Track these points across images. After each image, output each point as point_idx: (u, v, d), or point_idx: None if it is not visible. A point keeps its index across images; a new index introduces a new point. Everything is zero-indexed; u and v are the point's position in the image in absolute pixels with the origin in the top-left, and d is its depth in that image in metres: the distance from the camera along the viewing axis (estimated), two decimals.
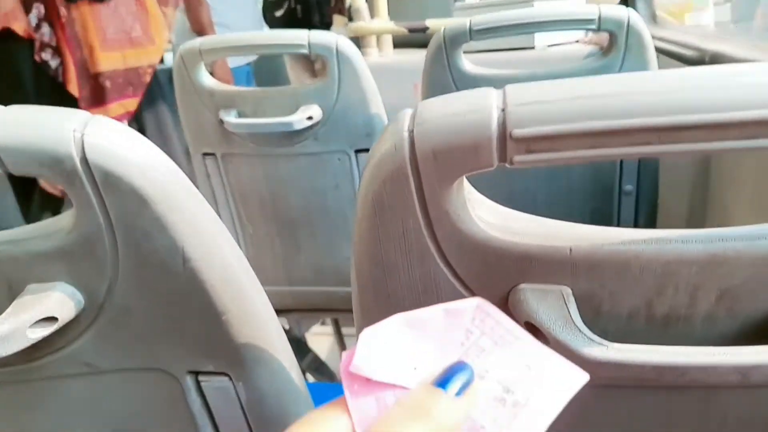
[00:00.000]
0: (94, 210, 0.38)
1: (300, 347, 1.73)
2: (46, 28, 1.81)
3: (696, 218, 1.19)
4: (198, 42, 1.01)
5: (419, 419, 0.25)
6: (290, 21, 2.59)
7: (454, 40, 1.01)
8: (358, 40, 2.02)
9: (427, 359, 0.28)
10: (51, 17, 1.81)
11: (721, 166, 1.09)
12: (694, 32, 1.39)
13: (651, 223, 1.18)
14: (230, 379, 0.49)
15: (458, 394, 0.26)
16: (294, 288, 1.43)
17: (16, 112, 0.36)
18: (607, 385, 0.40)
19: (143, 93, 2.05)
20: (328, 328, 2.06)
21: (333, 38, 1.01)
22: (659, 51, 1.15)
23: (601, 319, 0.40)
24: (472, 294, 0.41)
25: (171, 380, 0.49)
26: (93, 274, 0.41)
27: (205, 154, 1.15)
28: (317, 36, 1.00)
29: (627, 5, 1.55)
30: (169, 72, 2.34)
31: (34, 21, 1.79)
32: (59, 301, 0.41)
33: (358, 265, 0.42)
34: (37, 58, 1.81)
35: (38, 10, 1.79)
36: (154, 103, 2.09)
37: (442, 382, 0.27)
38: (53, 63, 1.84)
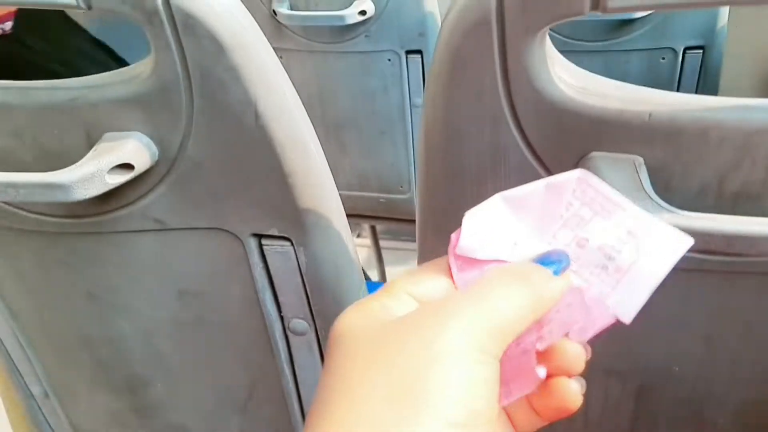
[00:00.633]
0: (172, 54, 0.38)
1: None
2: None
3: None
4: None
5: (520, 282, 0.25)
6: None
7: None
8: None
9: (527, 233, 0.28)
10: None
11: None
12: None
13: None
14: (291, 244, 0.50)
15: (556, 273, 0.27)
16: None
17: None
18: None
19: None
20: (365, 240, 2.09)
21: None
22: None
23: (671, 193, 0.40)
24: (541, 164, 0.41)
25: (235, 242, 0.50)
26: (168, 126, 0.42)
27: None
28: None
29: None
30: None
31: None
32: (135, 149, 0.42)
33: (427, 128, 0.42)
34: None
35: None
36: None
37: (543, 261, 0.27)
38: None
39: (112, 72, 0.42)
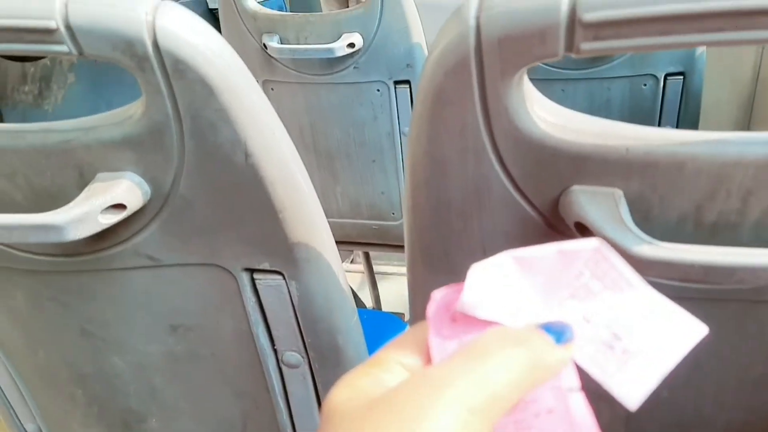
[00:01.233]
0: (163, 97, 0.39)
1: None
2: None
3: None
4: None
5: (519, 346, 0.23)
6: None
7: None
8: None
9: (533, 299, 0.27)
10: None
11: (765, 111, 1.07)
12: None
13: None
14: (283, 277, 0.51)
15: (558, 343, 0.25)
16: (329, 220, 1.45)
17: None
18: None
19: None
20: (358, 266, 2.10)
21: None
22: None
23: (650, 223, 0.41)
24: (524, 197, 0.42)
25: (228, 276, 0.51)
26: (160, 165, 0.43)
27: None
28: None
29: None
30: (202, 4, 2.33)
31: None
32: (128, 189, 0.43)
33: (412, 163, 0.43)
34: None
35: None
36: None
37: (545, 329, 0.25)
38: None
39: (104, 114, 0.43)
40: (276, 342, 0.55)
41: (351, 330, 0.55)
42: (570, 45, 0.32)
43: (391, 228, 1.35)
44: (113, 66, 0.39)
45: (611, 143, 0.38)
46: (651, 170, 0.38)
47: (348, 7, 2.43)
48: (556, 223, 0.42)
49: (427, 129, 0.39)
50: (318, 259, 0.51)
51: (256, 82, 0.43)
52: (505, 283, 0.27)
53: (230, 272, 0.51)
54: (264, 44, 1.06)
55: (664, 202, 0.39)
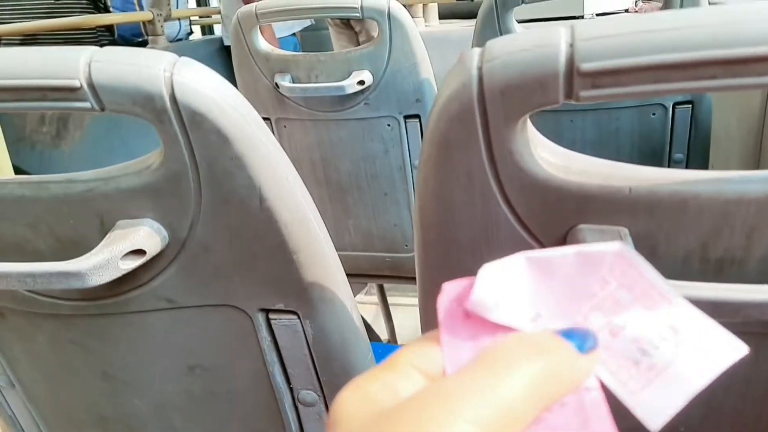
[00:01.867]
0: (180, 147, 0.41)
1: None
2: None
3: None
4: (254, 6, 1.04)
5: (538, 356, 0.22)
6: None
7: (505, 3, 1.01)
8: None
9: (553, 308, 0.25)
10: None
11: None
12: None
13: None
14: (298, 317, 0.52)
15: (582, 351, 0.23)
16: (341, 253, 1.47)
17: (112, 53, 0.39)
18: None
19: None
20: (372, 298, 2.10)
21: (385, 1, 1.02)
22: None
23: (657, 261, 0.42)
24: (531, 235, 0.43)
25: (244, 317, 0.52)
26: (177, 212, 0.45)
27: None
28: (369, 0, 1.02)
29: None
30: (217, 41, 2.39)
31: None
32: (147, 235, 0.45)
33: (421, 204, 0.44)
34: None
35: None
36: None
37: (566, 335, 0.24)
38: None
39: (125, 164, 0.45)
40: (292, 381, 0.56)
41: (366, 367, 0.56)
42: (569, 93, 0.33)
43: (404, 260, 1.35)
44: None
45: (614, 183, 0.39)
46: (655, 209, 0.39)
47: (358, 43, 2.48)
48: None
49: (434, 173, 0.41)
50: (332, 298, 0.52)
51: (269, 130, 0.44)
52: (519, 285, 0.25)
53: (246, 313, 0.52)
54: (276, 83, 1.08)
55: (669, 240, 0.40)
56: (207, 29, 3.91)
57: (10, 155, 1.34)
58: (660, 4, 1.01)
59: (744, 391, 0.47)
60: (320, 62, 1.08)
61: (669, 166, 1.15)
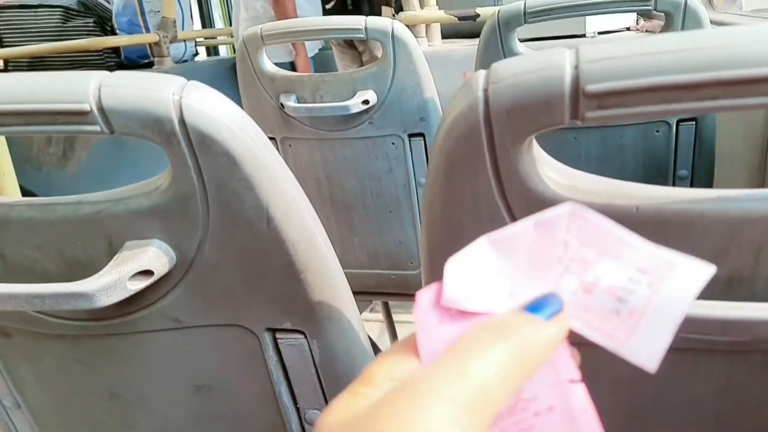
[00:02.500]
0: (189, 169, 0.41)
1: None
2: None
3: None
4: (259, 28, 1.05)
5: (502, 338, 0.22)
6: (340, 12, 2.64)
7: (508, 23, 1.02)
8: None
9: (525, 282, 0.25)
10: None
11: None
12: (753, 16, 1.36)
13: None
14: (305, 336, 0.52)
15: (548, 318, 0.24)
16: (347, 270, 1.47)
17: (122, 78, 0.39)
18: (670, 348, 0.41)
19: None
20: (377, 315, 2.09)
21: (388, 22, 1.03)
22: None
23: None
24: None
25: (250, 337, 0.52)
26: (185, 232, 0.45)
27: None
28: (373, 21, 1.03)
29: None
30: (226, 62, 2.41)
31: None
32: (155, 256, 0.45)
33: (428, 226, 0.44)
34: None
35: None
36: None
37: (531, 308, 0.24)
38: None
39: (133, 185, 0.45)
40: (299, 400, 0.55)
41: None
42: (575, 113, 0.34)
43: (409, 277, 1.35)
44: None
45: (620, 202, 0.39)
46: (661, 228, 0.39)
47: (361, 63, 2.50)
48: None
49: (441, 194, 0.41)
50: (339, 317, 0.52)
51: (276, 151, 0.45)
52: (487, 269, 0.25)
53: (253, 332, 0.52)
54: (281, 103, 1.09)
55: None
56: (212, 50, 3.95)
57: (17, 176, 1.35)
58: (662, 23, 1.02)
59: (755, 410, 0.46)
60: (325, 82, 1.09)
61: (674, 183, 1.15)
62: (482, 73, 0.36)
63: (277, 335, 0.52)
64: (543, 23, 1.04)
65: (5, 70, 2.42)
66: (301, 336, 0.52)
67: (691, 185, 1.15)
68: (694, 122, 1.06)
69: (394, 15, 2.22)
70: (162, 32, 2.11)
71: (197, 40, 3.11)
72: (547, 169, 0.40)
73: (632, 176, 1.17)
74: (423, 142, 1.15)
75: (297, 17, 2.21)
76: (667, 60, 0.31)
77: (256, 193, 0.43)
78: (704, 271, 0.24)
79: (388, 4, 2.71)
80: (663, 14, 1.00)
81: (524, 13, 1.00)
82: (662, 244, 0.40)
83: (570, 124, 0.35)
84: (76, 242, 0.47)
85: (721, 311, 0.38)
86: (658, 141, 1.09)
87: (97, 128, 0.40)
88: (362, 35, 1.04)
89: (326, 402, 0.56)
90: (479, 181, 0.39)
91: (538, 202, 0.39)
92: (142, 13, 2.59)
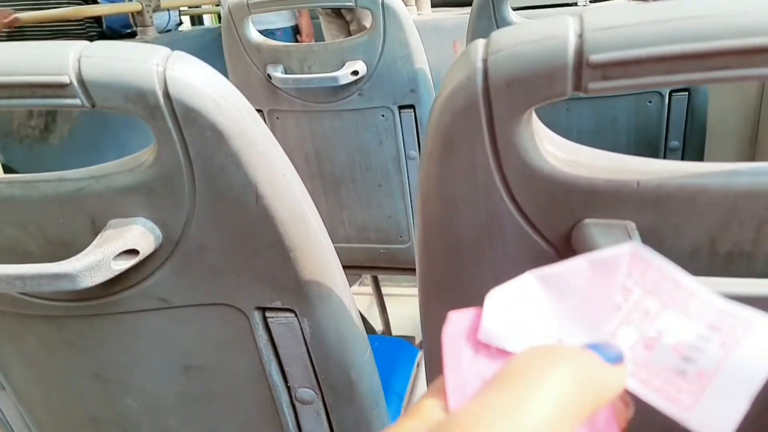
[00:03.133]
0: (174, 144, 0.40)
1: None
2: None
3: None
4: None
5: (567, 364, 0.19)
6: None
7: None
8: None
9: (575, 328, 0.23)
10: None
11: None
12: None
13: None
14: (295, 315, 0.51)
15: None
16: (337, 245, 1.46)
17: (103, 48, 0.37)
18: None
19: None
20: (367, 288, 2.09)
21: None
22: None
23: (664, 255, 0.41)
24: (536, 231, 0.42)
25: (239, 316, 0.51)
26: (171, 210, 0.43)
27: None
28: None
29: None
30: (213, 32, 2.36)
31: None
32: (140, 234, 0.43)
33: (423, 201, 0.43)
34: None
35: None
36: None
37: (590, 347, 0.21)
38: None
39: (116, 162, 0.43)
40: (289, 379, 0.55)
41: (364, 365, 0.55)
42: (578, 85, 0.32)
43: (399, 251, 1.35)
44: None
45: (622, 177, 0.38)
46: (663, 203, 0.38)
47: (349, 33, 2.45)
48: (570, 256, 0.42)
49: (437, 169, 0.40)
50: (329, 295, 0.51)
51: (265, 125, 0.43)
52: (533, 308, 0.23)
53: (242, 311, 0.51)
54: (268, 75, 1.06)
55: (677, 234, 0.39)
56: (197, 19, 3.87)
57: None
58: None
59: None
60: (313, 53, 1.06)
61: (665, 154, 1.14)
62: (481, 42, 0.34)
63: (267, 314, 0.51)
64: None
65: None
66: (292, 314, 0.50)
67: (683, 157, 1.15)
68: (687, 93, 1.05)
69: None
70: (145, 1, 2.05)
71: (181, 9, 3.04)
72: (546, 143, 0.38)
73: (624, 147, 1.16)
74: (413, 114, 1.13)
75: None
76: (676, 28, 0.29)
77: (244, 169, 0.41)
78: None
79: None
80: None
81: None
82: (663, 219, 0.39)
83: (572, 95, 0.33)
84: (58, 221, 0.45)
85: (721, 287, 0.37)
86: (650, 112, 1.08)
87: (77, 101, 0.38)
88: (351, 3, 1.01)
89: (317, 380, 0.55)
90: (476, 155, 0.38)
91: (536, 177, 0.38)
92: None
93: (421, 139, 1.16)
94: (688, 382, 0.21)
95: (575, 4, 1.80)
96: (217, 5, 2.41)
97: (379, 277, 1.77)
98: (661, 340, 0.22)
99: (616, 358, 0.21)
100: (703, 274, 0.40)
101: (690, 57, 0.29)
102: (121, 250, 0.42)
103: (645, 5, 0.31)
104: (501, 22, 1.02)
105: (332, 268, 0.51)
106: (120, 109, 0.38)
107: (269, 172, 0.43)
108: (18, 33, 2.22)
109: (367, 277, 2.07)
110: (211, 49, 2.28)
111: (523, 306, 0.23)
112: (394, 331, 1.86)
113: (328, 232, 0.52)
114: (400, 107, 1.13)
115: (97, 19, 2.45)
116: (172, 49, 0.39)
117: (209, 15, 3.80)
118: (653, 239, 0.40)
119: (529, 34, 0.32)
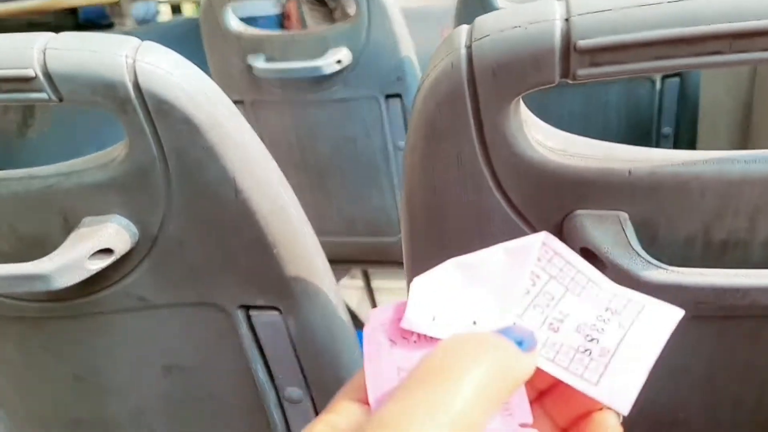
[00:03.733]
0: (147, 138, 0.38)
1: None
2: None
3: None
4: None
5: (486, 354, 0.20)
6: None
7: None
8: None
9: (489, 310, 0.24)
10: None
11: (764, 111, 1.06)
12: None
13: None
14: (280, 313, 0.49)
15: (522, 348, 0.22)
16: (324, 239, 1.44)
17: (69, 39, 0.36)
18: None
19: None
20: (357, 282, 2.08)
21: None
22: None
23: (658, 245, 0.40)
24: (527, 223, 0.40)
25: (222, 315, 0.49)
26: (147, 206, 0.42)
27: (234, 102, 1.15)
28: None
29: None
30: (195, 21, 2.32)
31: None
32: (115, 232, 0.42)
33: (409, 195, 0.41)
34: None
35: None
36: None
37: (503, 333, 0.22)
38: None
39: (87, 157, 0.41)
40: (276, 378, 0.53)
41: (353, 362, 0.54)
42: (566, 71, 0.31)
43: (389, 244, 1.33)
44: None
45: (613, 166, 0.36)
46: (655, 192, 0.37)
47: (332, 19, 2.42)
48: None
49: (422, 160, 0.38)
50: (315, 291, 0.50)
51: (243, 116, 0.41)
52: (454, 293, 0.24)
53: (225, 310, 0.49)
54: (249, 64, 1.04)
55: (670, 224, 0.38)
56: (176, 9, 3.80)
57: None
58: None
59: (744, 375, 0.45)
60: (295, 41, 1.04)
61: (657, 141, 1.14)
62: (464, 28, 0.33)
63: (251, 312, 0.49)
64: None
65: None
66: (276, 312, 0.49)
67: (675, 143, 1.14)
68: (678, 78, 1.04)
69: None
70: None
71: None
72: (535, 132, 0.37)
73: (615, 134, 1.15)
74: (400, 103, 1.11)
75: None
76: (667, 12, 0.28)
77: (222, 162, 0.40)
78: (674, 313, 0.24)
79: None
80: None
81: None
82: (656, 209, 0.38)
83: (560, 83, 0.32)
84: (30, 219, 0.44)
85: (714, 279, 0.36)
86: (642, 97, 1.07)
87: (44, 95, 0.36)
88: None
89: (305, 379, 0.54)
90: (462, 146, 0.37)
91: (525, 167, 0.37)
92: None
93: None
94: (592, 360, 0.23)
95: None
96: None
97: (369, 270, 1.76)
98: (565, 321, 0.24)
99: (529, 342, 0.22)
100: (698, 263, 0.40)
101: (681, 41, 0.28)
102: (95, 249, 0.41)
103: None
104: (489, 8, 1.00)
105: (317, 264, 0.50)
106: (89, 102, 0.36)
107: (248, 165, 0.41)
108: None
109: (357, 271, 2.06)
110: (193, 40, 2.24)
111: (444, 292, 0.24)
112: None
113: (316, 226, 0.50)
114: (387, 96, 1.11)
115: (73, 11, 2.40)
116: (155, 40, 0.38)
117: (189, 4, 3.74)
118: (646, 229, 0.39)
119: (514, 19, 0.31)
